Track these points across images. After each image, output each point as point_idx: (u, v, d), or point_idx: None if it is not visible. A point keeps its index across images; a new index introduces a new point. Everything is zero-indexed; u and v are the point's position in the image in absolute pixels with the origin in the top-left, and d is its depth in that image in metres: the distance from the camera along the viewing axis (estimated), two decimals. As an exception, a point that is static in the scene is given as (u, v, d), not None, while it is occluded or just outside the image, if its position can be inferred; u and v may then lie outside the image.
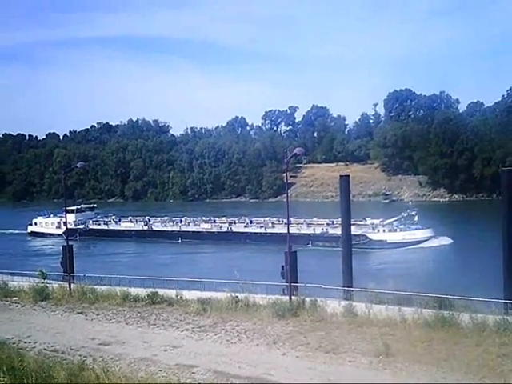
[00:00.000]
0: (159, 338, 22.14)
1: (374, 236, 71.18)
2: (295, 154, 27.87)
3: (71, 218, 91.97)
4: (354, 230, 71.70)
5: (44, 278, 33.89)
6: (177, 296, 27.89)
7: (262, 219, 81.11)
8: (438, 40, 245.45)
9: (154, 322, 24.49)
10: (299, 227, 74.46)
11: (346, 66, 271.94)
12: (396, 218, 73.48)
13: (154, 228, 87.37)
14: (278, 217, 77.20)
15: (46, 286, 31.72)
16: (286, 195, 31.14)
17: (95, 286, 30.81)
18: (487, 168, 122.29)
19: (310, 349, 19.64)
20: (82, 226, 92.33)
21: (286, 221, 79.52)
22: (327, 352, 19.16)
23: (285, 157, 29.75)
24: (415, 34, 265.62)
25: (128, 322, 24.87)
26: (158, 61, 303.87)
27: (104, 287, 30.65)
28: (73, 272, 34.81)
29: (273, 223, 78.91)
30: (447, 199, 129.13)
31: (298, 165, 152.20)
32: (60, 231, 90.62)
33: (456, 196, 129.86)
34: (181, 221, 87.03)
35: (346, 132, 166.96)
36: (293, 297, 25.75)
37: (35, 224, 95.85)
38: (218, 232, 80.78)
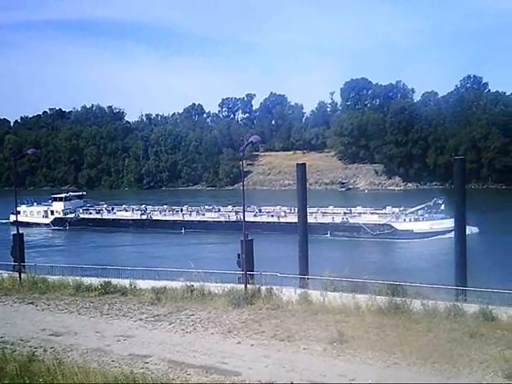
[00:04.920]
0: (112, 328, 21.82)
1: (399, 225, 68.15)
2: (251, 141, 27.82)
3: (60, 206, 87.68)
4: (378, 220, 69.77)
5: (-7, 268, 32.97)
6: (131, 285, 27.53)
7: (272, 208, 76.95)
8: (395, 30, 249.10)
9: (107, 312, 24.12)
10: (315, 217, 71.40)
11: (303, 55, 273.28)
12: (420, 207, 70.49)
13: (154, 217, 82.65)
14: (289, 205, 73.12)
15: (-5, 276, 30.88)
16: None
17: (47, 276, 30.15)
18: (441, 157, 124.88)
19: (264, 337, 19.67)
20: (71, 215, 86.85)
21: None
22: (282, 340, 19.23)
23: (241, 145, 29.64)
24: (372, 24, 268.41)
25: (80, 312, 24.43)
26: (112, 46, 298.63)
27: (56, 277, 30.05)
28: (23, 261, 33.90)
29: (285, 212, 75.06)
30: (402, 187, 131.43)
31: (255, 153, 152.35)
32: (47, 220, 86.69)
33: (410, 184, 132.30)
34: (182, 210, 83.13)
35: (304, 120, 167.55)
36: (248, 285, 25.72)
37: (18, 213, 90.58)
38: (226, 221, 76.06)
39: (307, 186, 39.35)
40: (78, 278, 29.31)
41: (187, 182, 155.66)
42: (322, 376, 15.97)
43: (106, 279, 28.43)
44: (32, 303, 26.43)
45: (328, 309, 22.33)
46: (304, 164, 36.88)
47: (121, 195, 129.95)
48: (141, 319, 22.80)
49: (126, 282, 27.99)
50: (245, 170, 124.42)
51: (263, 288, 25.23)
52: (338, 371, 16.30)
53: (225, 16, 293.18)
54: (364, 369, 16.39)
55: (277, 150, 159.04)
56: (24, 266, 33.15)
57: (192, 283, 26.13)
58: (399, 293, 22.96)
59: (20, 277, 30.57)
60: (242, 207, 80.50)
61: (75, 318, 23.57)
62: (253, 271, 28.05)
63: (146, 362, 17.66)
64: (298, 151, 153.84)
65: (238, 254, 29.52)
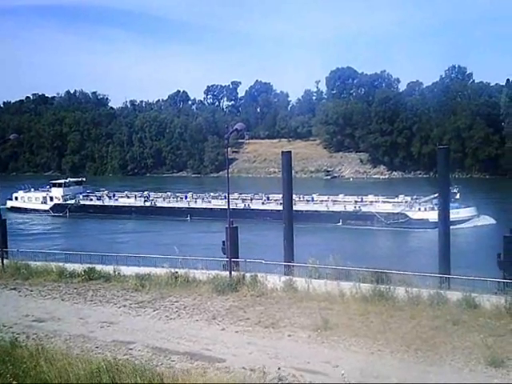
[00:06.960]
0: (96, 314, 21.70)
1: (413, 215, 66.87)
2: (236, 129, 27.59)
3: (59, 192, 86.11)
4: (392, 208, 68.43)
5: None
6: (114, 272, 27.35)
7: (281, 195, 75.35)
8: (381, 20, 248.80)
9: (91, 298, 23.97)
10: (326, 205, 70.95)
11: (289, 43, 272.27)
12: (434, 196, 66.44)
13: (158, 204, 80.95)
14: (299, 193, 70.31)
15: (-23, 262, 30.50)
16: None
17: (30, 262, 29.86)
18: (425, 146, 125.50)
19: (249, 324, 19.67)
20: (71, 202, 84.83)
21: (307, 198, 73.24)
22: (266, 326, 19.24)
23: (226, 132, 29.44)
24: (358, 14, 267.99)
25: (64, 299, 24.26)
26: (97, 32, 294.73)
27: (39, 263, 29.76)
28: (6, 247, 33.52)
29: (294, 200, 73.27)
30: (387, 176, 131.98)
31: (240, 140, 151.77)
32: (46, 207, 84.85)
33: (395, 173, 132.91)
34: (186, 197, 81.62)
35: (289, 108, 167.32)
36: (233, 272, 25.67)
37: (16, 199, 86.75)
38: (234, 209, 70.65)
39: (293, 173, 39.31)
40: (61, 264, 29.06)
41: (172, 169, 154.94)
42: (307, 363, 16.01)
43: (90, 265, 28.21)
44: (15, 289, 26.18)
45: (312, 296, 22.37)
46: (289, 152, 36.79)
47: (107, 181, 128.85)
48: (125, 305, 22.68)
49: (109, 269, 27.77)
50: (230, 157, 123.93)
51: (248, 275, 25.20)
52: (322, 358, 16.35)
53: (210, 3, 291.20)
54: (348, 355, 16.47)
55: (262, 138, 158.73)
56: (7, 251, 32.79)
57: (177, 270, 26.03)
58: (384, 280, 23.06)
59: (2, 262, 30.28)
60: (248, 195, 79.66)
61: (58, 304, 23.39)
62: (238, 258, 27.99)
63: (130, 349, 17.60)
64: (283, 139, 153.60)
65: (223, 241, 29.45)
